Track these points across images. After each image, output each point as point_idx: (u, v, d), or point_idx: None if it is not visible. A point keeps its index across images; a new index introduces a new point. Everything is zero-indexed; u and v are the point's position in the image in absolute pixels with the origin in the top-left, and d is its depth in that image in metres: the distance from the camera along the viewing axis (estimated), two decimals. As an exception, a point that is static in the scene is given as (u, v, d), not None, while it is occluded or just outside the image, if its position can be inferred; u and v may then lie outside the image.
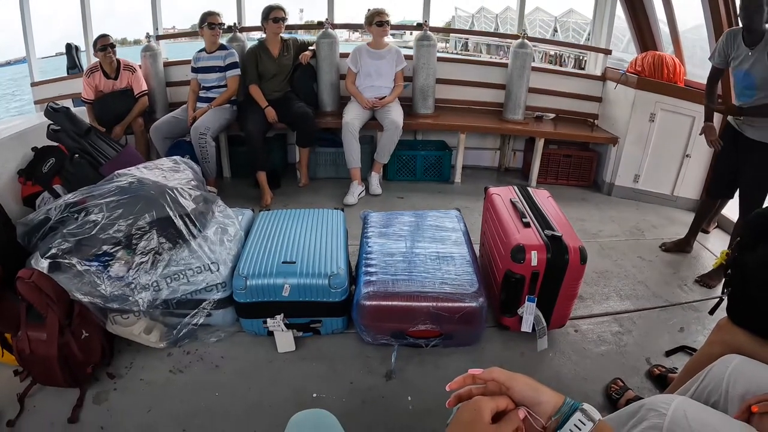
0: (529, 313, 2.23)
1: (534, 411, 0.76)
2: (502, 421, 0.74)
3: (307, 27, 4.54)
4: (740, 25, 2.75)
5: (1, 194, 2.68)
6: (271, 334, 2.27)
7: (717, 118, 3.17)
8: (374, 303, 2.16)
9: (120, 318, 2.20)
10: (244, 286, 2.21)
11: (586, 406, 0.75)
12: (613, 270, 3.12)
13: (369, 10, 4.11)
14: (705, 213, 3.29)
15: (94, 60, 4.09)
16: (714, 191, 3.23)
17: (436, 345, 2.26)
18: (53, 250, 2.15)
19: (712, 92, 3.01)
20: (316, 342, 2.34)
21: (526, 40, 4.29)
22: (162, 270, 2.24)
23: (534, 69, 4.43)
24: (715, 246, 3.48)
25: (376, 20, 4.02)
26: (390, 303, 2.16)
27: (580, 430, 0.73)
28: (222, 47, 3.97)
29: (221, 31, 3.97)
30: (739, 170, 2.92)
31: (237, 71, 3.94)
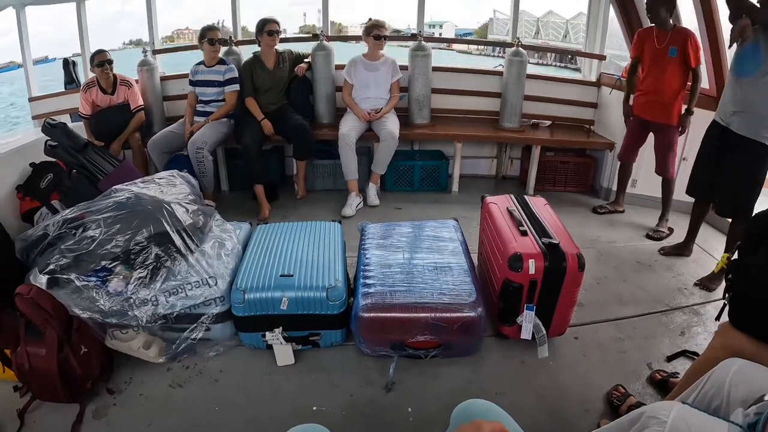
0: (528, 321, 2.23)
1: None
2: None
3: (302, 39, 4.56)
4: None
5: None
6: (270, 347, 2.27)
7: (707, 117, 3.17)
8: (373, 315, 2.16)
9: (119, 333, 2.20)
10: (242, 300, 2.21)
11: None
12: (612, 276, 3.12)
13: (370, 19, 4.14)
14: (701, 215, 3.29)
15: (91, 75, 4.11)
16: (692, 188, 3.20)
17: (435, 356, 2.25)
18: (51, 266, 2.16)
19: None
20: (316, 355, 2.34)
21: (520, 49, 4.31)
22: (160, 285, 2.24)
23: (529, 77, 4.45)
24: (712, 248, 3.48)
25: (374, 33, 4.05)
26: (388, 314, 2.16)
27: None
28: (221, 62, 3.98)
29: (220, 46, 4.00)
30: (724, 169, 2.92)
31: (236, 86, 3.95)
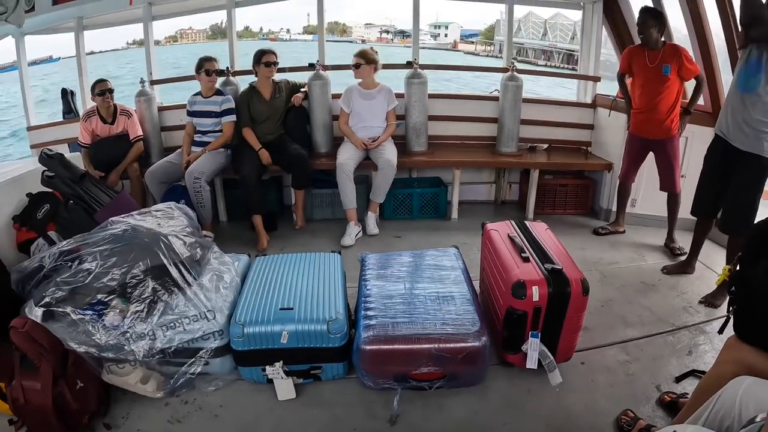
0: (533, 349, 2.19)
1: None
2: None
3: (298, 69, 4.58)
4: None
5: (-4, 240, 2.67)
6: (270, 381, 2.22)
7: (704, 134, 3.18)
8: (375, 347, 2.12)
9: (116, 367, 2.17)
10: (241, 334, 2.18)
11: None
12: (616, 297, 3.09)
13: (356, 52, 4.17)
14: (704, 232, 3.28)
15: (91, 104, 4.12)
16: (697, 207, 3.20)
17: (440, 387, 2.21)
18: (47, 299, 2.11)
19: None
20: (317, 388, 2.29)
21: (515, 73, 4.34)
22: (158, 318, 2.20)
23: (525, 101, 4.47)
24: (715, 264, 3.46)
25: (355, 63, 4.06)
26: (391, 347, 2.12)
27: None
28: (218, 92, 4.01)
29: (217, 77, 4.02)
30: (727, 186, 2.92)
31: (233, 117, 3.96)
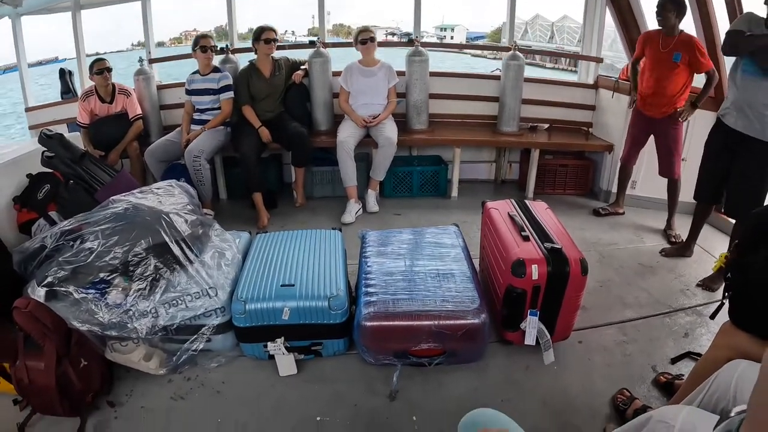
0: (532, 327, 2.21)
1: None
2: None
3: (298, 47, 4.54)
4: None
5: (-3, 222, 2.67)
6: (272, 357, 2.25)
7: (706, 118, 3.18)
8: (375, 323, 2.14)
9: (119, 345, 2.18)
10: (243, 311, 2.19)
11: None
12: (614, 278, 3.11)
13: (357, 28, 4.14)
14: (703, 217, 3.29)
15: (89, 84, 4.09)
16: (700, 193, 3.21)
17: (439, 363, 2.23)
18: (49, 279, 2.13)
19: None
20: (318, 364, 2.32)
21: (517, 52, 4.31)
22: (160, 296, 2.22)
23: (527, 80, 4.44)
24: (713, 248, 3.47)
25: (360, 38, 4.05)
26: (391, 323, 2.14)
27: None
28: (216, 69, 3.98)
29: (213, 54, 3.99)
30: (731, 171, 2.93)
31: (230, 94, 3.94)
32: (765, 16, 2.68)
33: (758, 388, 0.98)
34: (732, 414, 1.18)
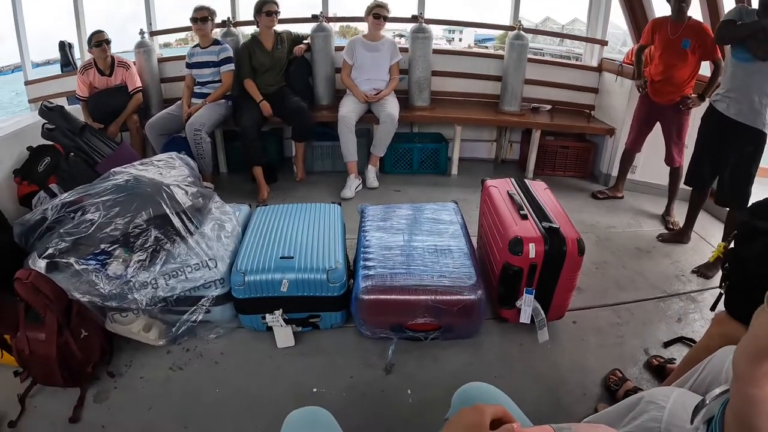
0: (527, 305, 2.23)
1: None
2: (500, 429, 0.76)
3: (301, 21, 4.49)
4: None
5: (-3, 194, 2.68)
6: (270, 329, 2.27)
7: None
8: (373, 297, 2.16)
9: (119, 316, 2.20)
10: (242, 282, 2.21)
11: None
12: (610, 261, 3.13)
13: (373, 1, 4.06)
14: (699, 203, 3.29)
15: (88, 57, 4.06)
16: (690, 177, 3.21)
17: (435, 338, 2.26)
18: (50, 250, 2.15)
19: None
20: (315, 336, 2.35)
21: (521, 32, 4.27)
22: (160, 267, 2.23)
23: (530, 60, 4.42)
24: (710, 235, 3.48)
25: (374, 12, 4.00)
26: (388, 297, 2.16)
27: None
28: (216, 42, 3.94)
29: (207, 25, 3.93)
30: (723, 158, 2.92)
31: (231, 66, 3.91)
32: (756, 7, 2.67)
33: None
34: (708, 401, 1.16)
